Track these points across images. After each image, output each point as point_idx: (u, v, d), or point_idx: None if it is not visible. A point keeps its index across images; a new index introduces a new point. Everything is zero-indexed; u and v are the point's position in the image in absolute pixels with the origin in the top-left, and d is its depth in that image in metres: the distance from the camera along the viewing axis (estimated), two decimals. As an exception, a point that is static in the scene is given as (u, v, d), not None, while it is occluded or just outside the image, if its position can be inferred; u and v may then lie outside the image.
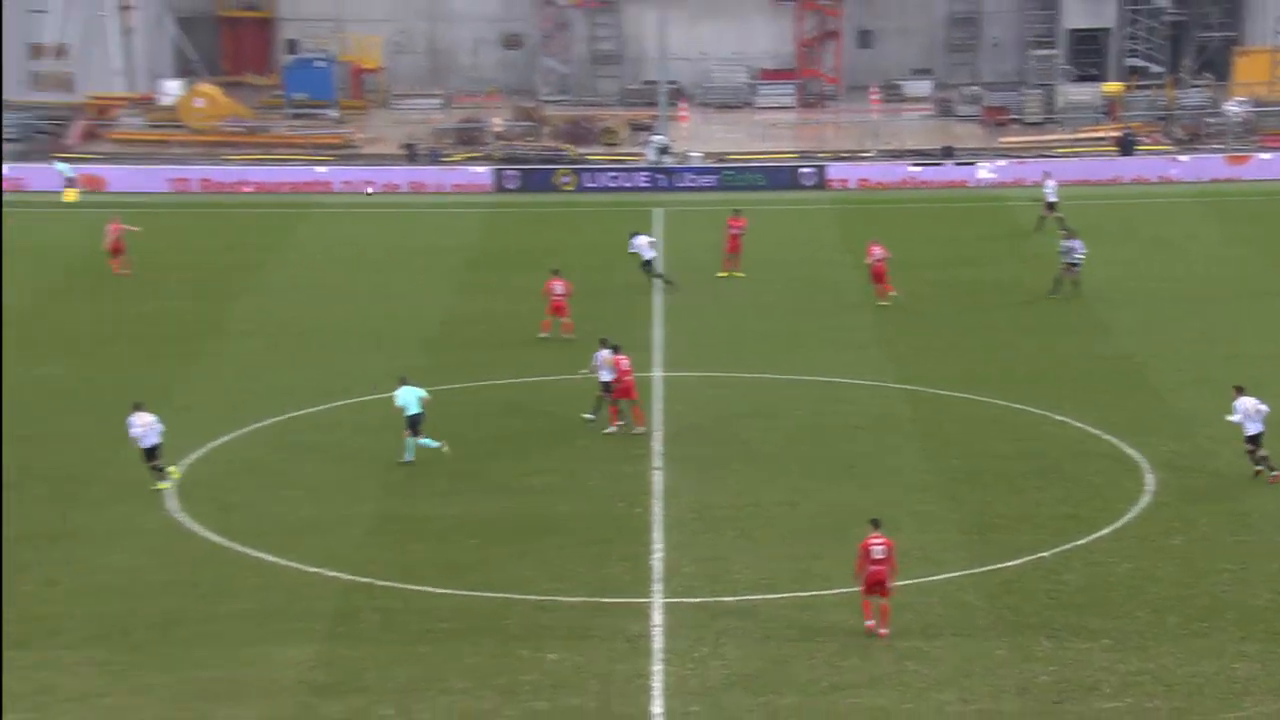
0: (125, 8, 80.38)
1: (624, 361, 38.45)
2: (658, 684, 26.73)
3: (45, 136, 73.73)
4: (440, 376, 42.67)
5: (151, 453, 34.67)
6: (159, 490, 34.64)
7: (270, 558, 31.45)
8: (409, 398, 36.25)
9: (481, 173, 70.28)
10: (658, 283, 51.38)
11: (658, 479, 35.82)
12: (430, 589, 30.15)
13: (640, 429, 38.43)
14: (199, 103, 76.38)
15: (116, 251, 53.43)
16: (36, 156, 71.08)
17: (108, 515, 33.60)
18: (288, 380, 42.44)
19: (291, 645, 27.90)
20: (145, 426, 34.50)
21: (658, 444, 37.91)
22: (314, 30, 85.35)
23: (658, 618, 29.04)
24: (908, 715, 25.78)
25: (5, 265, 52.00)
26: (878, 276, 50.18)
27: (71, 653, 27.61)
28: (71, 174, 65.63)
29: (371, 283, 53.46)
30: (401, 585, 30.30)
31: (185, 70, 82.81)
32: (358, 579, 30.55)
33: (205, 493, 34.74)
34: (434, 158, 72.75)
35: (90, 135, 74.86)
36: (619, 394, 38.38)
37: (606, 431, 38.37)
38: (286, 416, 39.49)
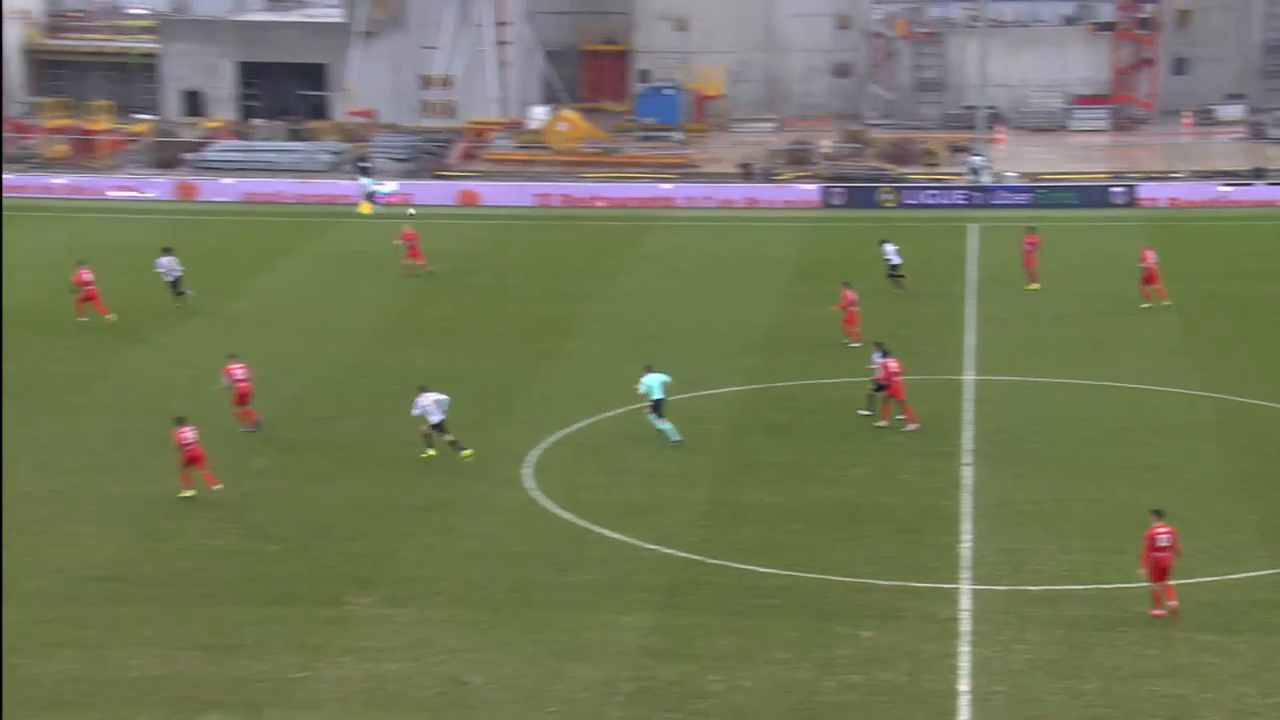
0: (502, 43, 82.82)
1: (892, 364, 38.15)
2: (965, 664, 26.26)
3: (430, 157, 76.35)
4: (769, 375, 42.82)
5: (439, 428, 35.74)
6: (429, 457, 35.71)
7: (613, 534, 31.98)
8: (654, 383, 36.77)
9: (810, 190, 70.10)
10: (902, 284, 51.29)
11: (967, 474, 35.19)
12: (756, 568, 30.22)
13: (882, 423, 37.87)
14: (562, 127, 78.13)
15: (414, 254, 54.84)
16: (424, 175, 73.72)
17: (476, 491, 34.61)
18: (632, 376, 42.90)
19: (631, 613, 28.30)
20: (431, 405, 35.66)
21: (968, 441, 37.25)
22: (664, 62, 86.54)
23: (966, 602, 28.53)
24: (1207, 705, 24.75)
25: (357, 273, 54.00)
26: (1149, 279, 48.79)
27: (443, 611, 28.49)
28: (374, 187, 67.41)
29: (708, 289, 53.81)
30: (730, 564, 30.45)
31: (551, 98, 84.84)
32: (691, 556, 30.82)
33: (558, 475, 35.51)
34: (767, 176, 72.91)
35: (468, 156, 77.25)
36: (892, 393, 38.17)
37: (876, 425, 38.06)
38: (630, 409, 40.05)
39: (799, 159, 75.28)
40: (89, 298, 47.61)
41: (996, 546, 31.04)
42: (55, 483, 34.69)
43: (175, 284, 49.95)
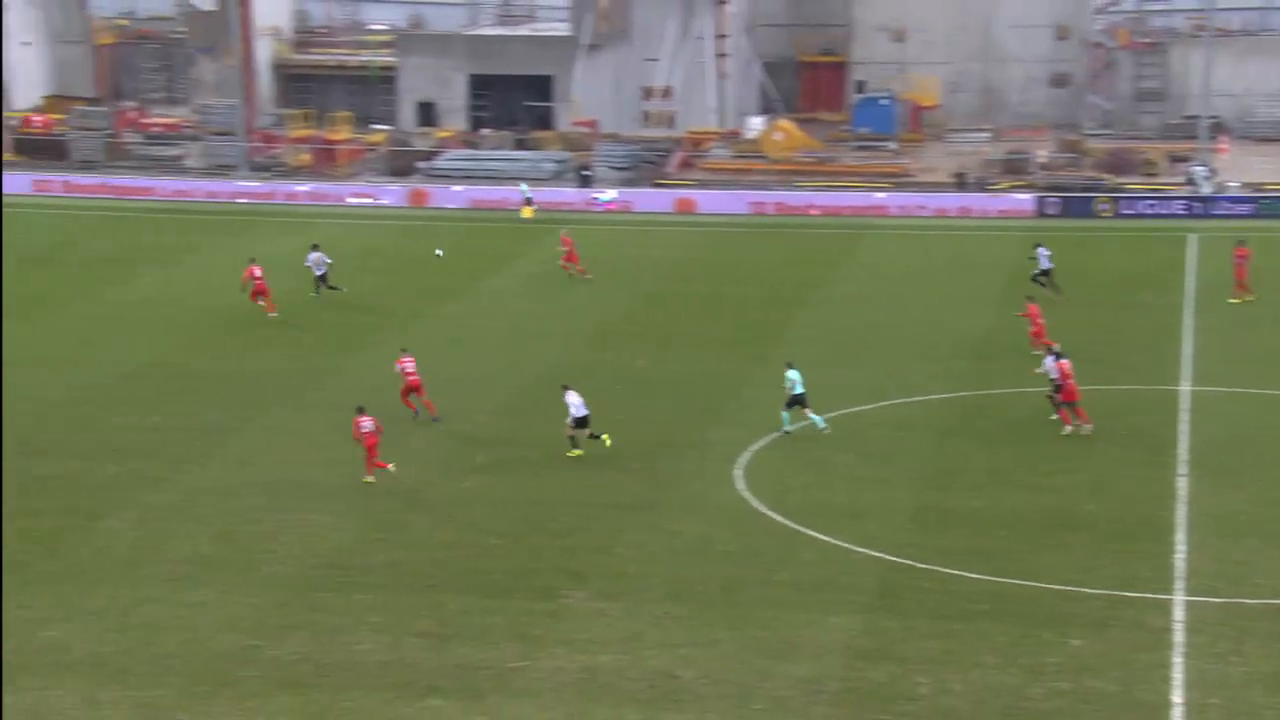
0: (721, 55, 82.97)
1: (1066, 366, 37.48)
2: (1178, 675, 25.41)
3: (649, 166, 76.79)
4: (978, 382, 42.05)
5: (582, 422, 36.13)
6: (575, 456, 36.09)
7: (822, 536, 31.72)
8: (796, 379, 37.50)
9: (1024, 199, 68.70)
10: (1051, 288, 50.32)
11: (1182, 484, 34.05)
12: (963, 573, 29.69)
13: (1087, 428, 37.08)
14: (778, 136, 77.90)
15: (572, 259, 55.00)
16: (642, 183, 74.17)
17: (687, 490, 34.68)
18: (843, 381, 42.67)
19: (839, 614, 28.04)
20: (576, 404, 36.22)
21: (1183, 452, 36.06)
22: (881, 72, 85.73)
23: (1179, 613, 27.60)
24: None
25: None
26: None
27: (654, 606, 28.57)
28: (530, 194, 67.82)
29: (920, 296, 53.11)
30: (937, 568, 29.97)
31: (767, 108, 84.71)
32: (898, 560, 30.42)
33: (768, 476, 35.37)
34: (982, 185, 71.67)
35: (686, 165, 77.52)
36: (1064, 397, 37.33)
37: (1064, 433, 37.25)
38: (840, 413, 39.73)
39: (1014, 169, 73.84)
40: (259, 292, 49.73)
41: (1212, 558, 29.96)
42: (291, 474, 35.75)
43: (323, 278, 51.80)
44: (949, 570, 29.83)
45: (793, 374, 37.77)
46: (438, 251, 53.07)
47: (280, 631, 27.66)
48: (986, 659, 26.20)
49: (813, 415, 37.63)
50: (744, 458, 36.46)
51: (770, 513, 33.13)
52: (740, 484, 34.86)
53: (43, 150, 78.87)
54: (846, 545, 31.18)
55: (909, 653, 26.54)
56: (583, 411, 36.35)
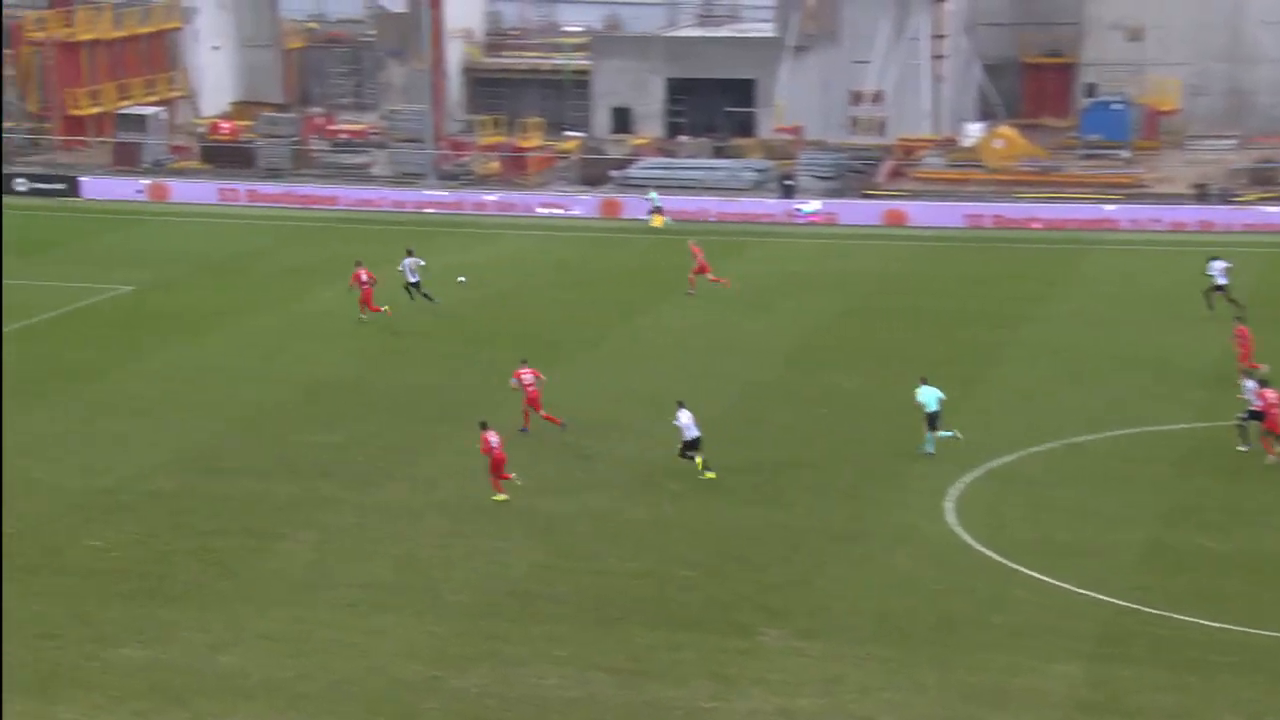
0: (937, 57, 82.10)
1: (1270, 394, 36.60)
2: None
3: (856, 175, 76.28)
4: (1219, 412, 40.78)
5: (694, 444, 36.29)
6: (707, 478, 36.23)
7: (1040, 576, 31.07)
8: (928, 397, 37.46)
9: (1274, 213, 66.57)
10: (1213, 304, 49.55)
11: None
12: (1200, 620, 28.80)
13: (1271, 459, 36.06)
14: (998, 144, 76.76)
15: (703, 269, 54.94)
16: (849, 194, 73.70)
17: (894, 522, 34.29)
18: (1066, 406, 41.82)
19: (1059, 661, 27.44)
20: (687, 423, 36.34)
21: None
22: (1113, 74, 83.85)
23: None
24: None
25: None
26: None
27: (857, 647, 28.28)
28: (659, 202, 67.55)
29: (1154, 317, 51.80)
30: (1170, 614, 29.13)
31: (987, 113, 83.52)
32: (1125, 604, 29.64)
33: (982, 509, 34.78)
34: (1225, 197, 69.64)
35: (896, 174, 76.84)
36: (1268, 425, 36.51)
37: (1267, 463, 36.30)
38: (1062, 442, 38.92)
39: (1264, 179, 71.63)
40: (366, 298, 51.45)
41: None
42: (476, 496, 36.18)
43: (416, 285, 52.71)
44: (1183, 617, 28.98)
45: (926, 391, 37.70)
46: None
47: (462, 662, 28.02)
48: (1227, 717, 25.38)
49: (935, 434, 37.65)
50: (955, 488, 35.93)
51: (984, 549, 32.56)
52: (951, 517, 34.33)
53: (230, 158, 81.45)
54: (1067, 586, 30.50)
55: (1138, 706, 25.83)
56: (694, 433, 36.38)
